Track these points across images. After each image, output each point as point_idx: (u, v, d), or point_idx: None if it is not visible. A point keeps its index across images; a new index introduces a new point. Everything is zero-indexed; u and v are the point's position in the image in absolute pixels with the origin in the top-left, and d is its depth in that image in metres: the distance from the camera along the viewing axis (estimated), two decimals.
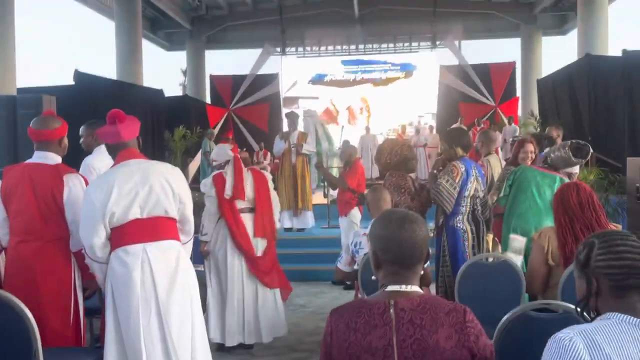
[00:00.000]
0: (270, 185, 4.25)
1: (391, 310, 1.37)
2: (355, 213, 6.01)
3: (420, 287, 1.45)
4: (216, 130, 14.71)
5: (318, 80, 17.96)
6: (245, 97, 16.72)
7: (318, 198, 7.59)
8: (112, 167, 2.66)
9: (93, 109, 8.27)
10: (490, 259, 3.21)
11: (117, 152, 2.64)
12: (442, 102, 16.50)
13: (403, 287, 1.43)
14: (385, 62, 17.94)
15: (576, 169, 5.21)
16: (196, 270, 2.82)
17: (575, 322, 1.39)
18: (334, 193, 6.93)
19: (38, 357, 2.24)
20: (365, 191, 4.66)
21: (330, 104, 17.92)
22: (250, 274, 3.99)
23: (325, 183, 7.29)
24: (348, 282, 5.87)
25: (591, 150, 3.84)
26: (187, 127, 10.98)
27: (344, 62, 18.01)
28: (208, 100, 17.07)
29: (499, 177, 4.47)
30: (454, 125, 13.70)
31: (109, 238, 2.54)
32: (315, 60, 18.02)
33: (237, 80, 16.84)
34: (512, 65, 16.34)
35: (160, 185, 2.56)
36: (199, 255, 4.07)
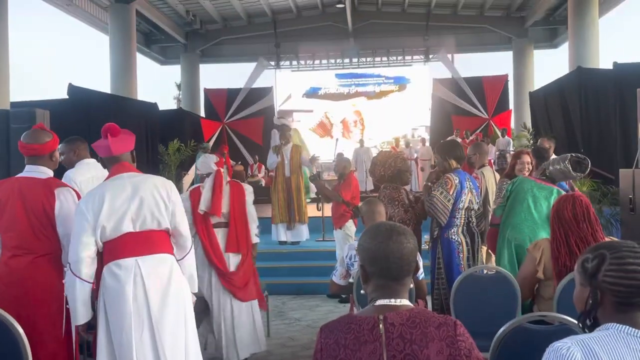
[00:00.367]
0: (249, 198, 4.17)
1: (380, 326, 1.35)
2: (350, 226, 6.00)
3: (416, 299, 1.44)
4: (211, 144, 14.70)
5: (312, 93, 18.05)
6: (239, 110, 16.75)
7: (312, 211, 7.57)
8: (104, 180, 2.64)
9: (87, 123, 8.26)
10: (486, 271, 3.21)
11: (111, 165, 2.63)
12: (436, 115, 16.60)
13: (392, 301, 1.41)
14: (378, 76, 18.08)
15: None
16: None
17: (571, 334, 1.39)
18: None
19: None
20: (360, 204, 4.65)
21: (324, 117, 17.98)
22: (224, 289, 3.92)
23: (320, 196, 7.29)
24: (343, 296, 5.84)
25: (590, 165, 3.83)
26: (181, 141, 10.96)
27: (338, 76, 18.13)
28: (202, 113, 17.08)
29: (496, 189, 4.48)
30: (449, 138, 13.77)
31: (101, 253, 2.51)
32: (309, 74, 18.13)
33: (232, 93, 16.89)
34: (504, 78, 16.49)
35: (153, 199, 2.54)
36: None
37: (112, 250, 2.49)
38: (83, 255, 2.45)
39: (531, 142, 10.20)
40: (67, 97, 8.42)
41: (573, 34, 12.50)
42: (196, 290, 2.82)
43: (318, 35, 17.40)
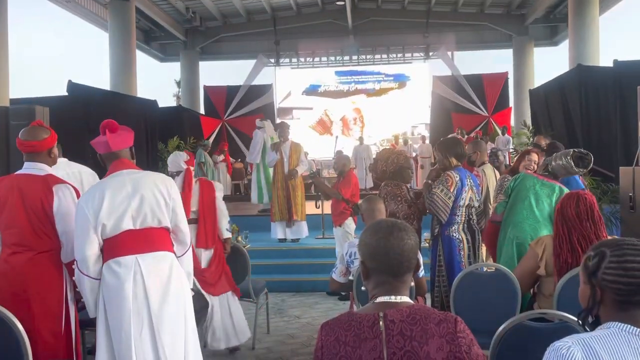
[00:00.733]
0: (219, 195, 4.23)
1: (381, 323, 1.35)
2: (350, 223, 5.99)
3: (416, 297, 1.44)
4: (210, 141, 14.70)
5: (312, 90, 18.04)
6: (239, 107, 16.74)
7: (312, 209, 7.57)
8: (104, 177, 2.63)
9: (86, 120, 8.26)
10: (486, 269, 3.21)
11: (110, 162, 2.62)
12: (435, 113, 16.60)
13: (392, 298, 1.41)
14: (378, 73, 18.06)
15: None
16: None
17: (571, 331, 1.38)
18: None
19: None
20: (359, 201, 4.65)
21: (324, 115, 17.97)
22: (195, 284, 3.86)
23: (319, 193, 7.28)
24: (343, 293, 5.84)
25: (593, 160, 3.79)
26: (181, 138, 10.93)
27: (338, 73, 18.11)
28: (202, 111, 17.07)
29: (496, 185, 4.47)
30: (450, 135, 13.77)
31: (102, 250, 2.51)
32: (309, 71, 18.11)
33: (231, 91, 16.87)
34: (504, 75, 16.48)
35: (153, 196, 2.53)
36: None
37: (112, 247, 2.49)
38: (88, 254, 2.46)
39: (531, 139, 10.20)
40: (66, 94, 8.42)
41: (573, 32, 12.48)
42: (191, 286, 2.82)
43: (318, 32, 17.37)
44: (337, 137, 11.63)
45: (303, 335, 4.75)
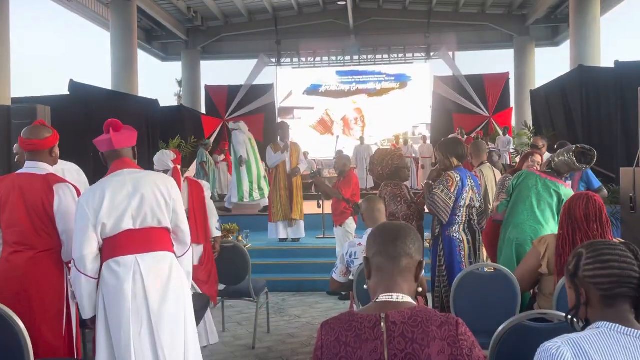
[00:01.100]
0: (207, 194, 4.28)
1: (382, 324, 1.35)
2: (350, 223, 6.00)
3: (416, 297, 1.44)
4: (212, 141, 14.70)
5: (313, 90, 18.04)
6: (240, 107, 16.75)
7: (312, 208, 7.58)
8: (105, 176, 2.64)
9: (88, 119, 8.26)
10: (486, 269, 3.21)
11: (111, 161, 2.62)
12: (436, 113, 16.59)
13: (394, 297, 1.41)
14: (379, 73, 18.05)
15: None
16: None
17: (571, 332, 1.39)
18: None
19: None
20: (360, 201, 4.66)
21: (325, 115, 17.97)
22: None
23: (320, 193, 7.30)
24: (343, 293, 5.84)
25: (596, 156, 3.73)
26: (182, 137, 10.94)
27: (339, 73, 18.11)
28: (203, 110, 17.08)
29: (498, 184, 4.47)
30: (451, 136, 13.77)
31: (100, 249, 2.51)
32: (310, 71, 18.11)
33: (232, 90, 16.88)
34: (505, 76, 16.47)
35: (153, 196, 2.53)
36: None
37: (111, 247, 2.49)
38: (86, 252, 2.45)
39: (532, 140, 10.20)
40: (68, 93, 8.42)
41: (574, 32, 12.47)
42: (190, 286, 2.82)
43: (319, 32, 17.38)
44: (338, 137, 11.65)
45: (303, 334, 4.75)
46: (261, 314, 4.66)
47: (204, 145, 12.76)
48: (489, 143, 13.48)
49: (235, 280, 4.49)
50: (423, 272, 1.56)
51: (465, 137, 13.53)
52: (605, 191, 5.23)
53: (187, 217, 3.98)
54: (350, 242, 3.49)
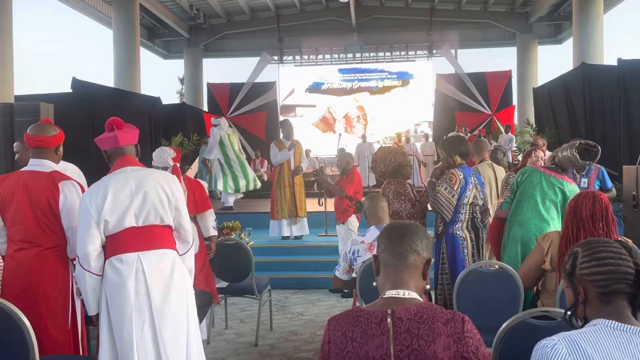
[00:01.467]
0: (205, 194, 4.29)
1: (388, 320, 1.36)
2: (353, 221, 6.01)
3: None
4: None
5: (315, 88, 18.02)
6: (242, 105, 16.77)
7: (314, 206, 7.58)
8: (108, 174, 2.65)
9: (91, 117, 8.28)
10: (490, 267, 3.21)
11: (114, 159, 2.63)
12: (439, 111, 16.58)
13: (401, 293, 1.42)
14: (382, 71, 18.02)
15: None
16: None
17: (573, 329, 1.40)
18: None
19: None
20: (363, 199, 4.67)
21: (327, 112, 17.96)
22: None
23: (322, 191, 7.31)
24: (345, 290, 5.86)
25: (600, 152, 3.69)
26: (184, 135, 10.95)
27: (341, 71, 18.09)
28: (205, 108, 17.09)
29: (502, 182, 4.47)
30: (451, 133, 13.76)
31: (104, 247, 2.52)
32: (313, 69, 18.09)
33: (235, 88, 16.89)
34: (508, 73, 16.45)
35: (156, 194, 2.54)
36: None
37: (114, 244, 2.50)
38: (90, 249, 2.46)
39: (532, 139, 10.19)
40: (70, 90, 8.44)
41: (577, 30, 12.44)
42: (192, 283, 2.83)
43: (321, 30, 17.36)
44: (340, 134, 11.65)
45: (306, 332, 4.76)
46: (264, 311, 4.67)
47: (206, 143, 12.75)
48: (492, 141, 13.48)
49: (238, 277, 4.50)
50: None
51: (469, 134, 13.53)
52: (614, 191, 5.22)
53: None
54: (353, 239, 3.49)
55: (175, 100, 22.30)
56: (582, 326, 1.36)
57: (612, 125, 8.23)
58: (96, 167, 7.73)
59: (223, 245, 4.56)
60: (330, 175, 10.23)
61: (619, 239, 2.59)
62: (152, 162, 4.04)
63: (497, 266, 3.16)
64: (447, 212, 3.48)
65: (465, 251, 3.49)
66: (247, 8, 16.82)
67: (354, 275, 3.37)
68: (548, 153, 5.60)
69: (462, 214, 3.52)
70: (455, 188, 3.47)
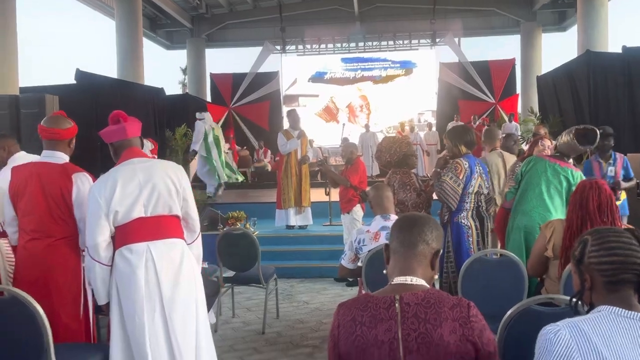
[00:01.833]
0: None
1: (396, 305, 1.40)
2: (358, 210, 6.04)
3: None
4: None
5: (318, 78, 17.97)
6: (245, 95, 16.75)
7: (319, 196, 7.62)
8: (115, 166, 2.68)
9: (95, 108, 8.31)
10: (494, 255, 3.24)
11: (121, 151, 2.67)
12: (442, 100, 16.53)
13: (408, 280, 1.46)
14: (385, 60, 17.95)
15: None
16: (202, 268, 2.84)
17: (577, 316, 1.43)
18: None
19: (49, 352, 2.27)
20: (367, 188, 4.70)
21: (330, 102, 17.93)
22: None
23: (327, 180, 7.34)
24: (351, 279, 5.91)
25: (599, 135, 3.62)
26: (188, 126, 10.98)
27: (344, 60, 18.02)
28: (208, 98, 17.08)
29: (508, 171, 4.48)
30: (450, 123, 13.76)
31: (113, 237, 2.57)
32: (315, 58, 18.03)
33: (237, 78, 16.87)
34: (511, 62, 16.36)
35: (164, 184, 2.58)
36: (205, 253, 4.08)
37: (123, 234, 2.54)
38: (99, 240, 2.51)
39: (534, 128, 10.16)
40: (74, 82, 8.46)
41: (582, 17, 12.35)
42: (200, 271, 2.87)
43: (324, 19, 17.27)
44: (344, 124, 11.63)
45: (312, 320, 4.82)
46: (270, 300, 4.72)
47: None
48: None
49: (244, 266, 4.55)
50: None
51: (477, 123, 13.50)
52: (635, 181, 5.22)
53: None
54: (358, 229, 3.53)
55: (177, 91, 22.29)
56: (587, 312, 1.38)
57: (616, 113, 8.21)
58: (101, 159, 7.77)
59: (229, 235, 4.60)
60: (335, 165, 10.26)
61: (627, 226, 2.60)
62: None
63: (501, 254, 3.19)
64: (453, 201, 3.50)
65: (471, 239, 3.52)
66: None
67: (359, 264, 3.41)
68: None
69: (467, 202, 3.54)
70: (460, 177, 3.49)
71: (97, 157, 7.49)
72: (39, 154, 2.91)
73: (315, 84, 18.01)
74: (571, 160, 3.86)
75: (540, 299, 2.17)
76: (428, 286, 1.49)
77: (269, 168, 14.64)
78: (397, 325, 1.38)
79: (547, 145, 4.25)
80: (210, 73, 17.50)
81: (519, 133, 12.57)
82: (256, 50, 17.32)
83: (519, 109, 15.55)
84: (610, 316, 1.31)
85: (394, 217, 3.29)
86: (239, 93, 16.75)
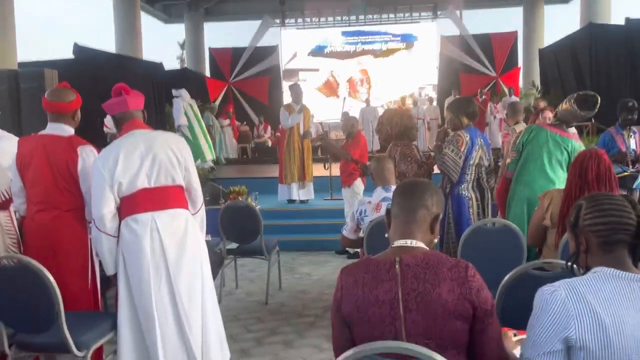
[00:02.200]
0: None
1: (397, 266, 1.46)
2: (358, 184, 6.09)
3: None
4: (217, 104, 14.67)
5: (318, 51, 17.80)
6: (245, 69, 16.62)
7: (319, 170, 7.66)
8: (118, 138, 2.71)
9: (94, 83, 8.27)
10: (494, 224, 3.29)
11: (123, 123, 2.70)
12: (443, 74, 16.41)
13: (408, 242, 1.51)
14: (385, 33, 17.75)
15: None
16: (205, 240, 2.89)
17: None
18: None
19: (60, 319, 2.34)
20: (368, 162, 4.73)
21: (330, 76, 17.81)
22: None
23: (328, 155, 7.37)
24: (351, 252, 5.99)
25: (599, 102, 3.63)
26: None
27: (344, 34, 17.82)
28: (207, 73, 16.96)
29: (511, 143, 4.49)
30: (448, 98, 13.70)
31: (118, 208, 2.61)
32: (315, 32, 17.83)
33: (237, 52, 16.71)
34: (513, 35, 16.18)
35: (166, 154, 2.61)
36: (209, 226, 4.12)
37: (128, 205, 2.59)
38: (104, 212, 2.56)
39: (533, 102, 10.13)
40: (72, 56, 8.42)
41: None
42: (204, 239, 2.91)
43: None
44: (344, 98, 11.59)
45: (314, 291, 4.91)
46: (272, 272, 4.80)
47: (209, 109, 12.75)
48: (496, 105, 13.39)
49: (247, 239, 4.61)
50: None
51: (484, 97, 13.44)
52: None
53: None
54: (360, 200, 3.58)
55: (175, 65, 22.10)
56: (583, 274, 1.43)
57: (617, 86, 8.18)
58: (101, 133, 7.78)
59: (232, 208, 4.66)
60: (335, 140, 10.27)
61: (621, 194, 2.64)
62: (105, 129, 3.82)
63: (501, 223, 3.24)
64: (454, 173, 3.53)
65: (471, 210, 3.57)
66: None
67: (361, 234, 3.46)
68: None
69: (468, 174, 3.58)
70: (462, 150, 3.52)
71: (97, 131, 7.50)
72: (41, 127, 2.93)
73: (315, 58, 17.84)
74: (574, 129, 3.86)
75: (537, 264, 2.23)
76: (427, 249, 1.53)
77: (270, 144, 14.64)
78: (397, 286, 1.44)
79: (549, 117, 4.26)
80: (210, 47, 17.32)
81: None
82: (255, 24, 17.11)
83: (521, 83, 15.45)
84: (605, 277, 1.36)
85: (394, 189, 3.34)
86: (238, 68, 16.61)
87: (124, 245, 2.58)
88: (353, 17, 17.53)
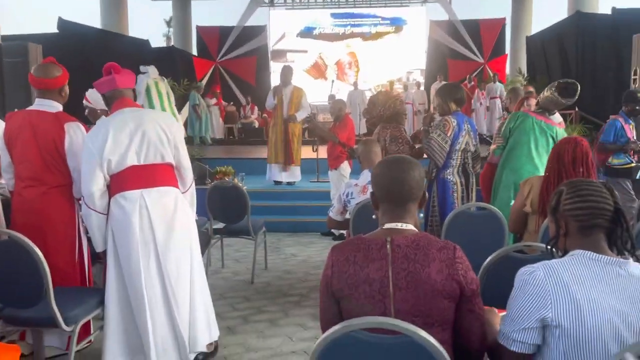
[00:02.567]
0: None
1: (388, 246, 1.50)
2: (345, 167, 6.13)
3: None
4: (204, 83, 14.51)
5: (307, 33, 17.66)
6: (232, 49, 16.44)
7: (307, 152, 7.67)
8: (107, 116, 2.71)
9: (79, 58, 8.15)
10: (477, 208, 3.36)
11: (113, 102, 2.70)
12: (431, 58, 16.43)
13: (399, 225, 1.56)
14: (374, 16, 17.66)
15: None
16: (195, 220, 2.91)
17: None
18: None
19: (49, 294, 2.35)
20: (355, 145, 4.76)
21: (318, 59, 17.71)
22: None
23: (315, 138, 7.39)
24: (336, 234, 6.05)
25: (579, 89, 3.72)
26: (174, 79, 10.83)
27: (334, 15, 17.69)
28: (194, 51, 16.74)
29: (497, 129, 4.57)
30: (434, 84, 13.74)
31: (108, 186, 2.62)
32: (304, 12, 17.67)
33: (224, 31, 16.50)
34: (502, 21, 16.22)
35: (154, 131, 2.62)
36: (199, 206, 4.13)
37: (118, 182, 2.60)
38: (94, 189, 2.56)
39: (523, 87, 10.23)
40: (57, 31, 8.26)
41: None
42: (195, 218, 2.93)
43: None
44: (333, 81, 11.57)
45: (299, 271, 4.97)
46: (259, 252, 4.84)
47: (196, 88, 12.63)
48: (482, 91, 13.48)
49: (234, 218, 4.63)
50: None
51: (472, 83, 13.50)
52: None
53: None
54: (347, 182, 3.62)
55: (161, 43, 21.74)
56: (562, 257, 1.50)
57: (602, 75, 8.29)
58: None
59: (219, 188, 4.67)
60: (323, 122, 10.26)
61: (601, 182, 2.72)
62: (85, 102, 3.65)
63: (483, 208, 3.31)
64: (440, 157, 3.59)
65: (455, 195, 3.64)
66: None
67: (347, 216, 3.51)
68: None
69: (453, 159, 3.64)
70: (448, 134, 3.57)
71: (82, 108, 7.40)
72: (25, 102, 2.91)
73: (303, 40, 17.70)
74: (557, 116, 3.94)
75: (518, 246, 2.30)
76: (417, 230, 1.58)
77: (256, 124, 14.58)
78: (387, 265, 1.48)
79: (533, 104, 4.34)
80: (197, 26, 17.06)
81: (503, 94, 12.63)
82: (244, 3, 16.87)
83: (507, 70, 15.54)
84: (582, 259, 1.43)
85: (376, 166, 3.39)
86: (225, 47, 16.43)
87: (113, 222, 2.60)
88: None
